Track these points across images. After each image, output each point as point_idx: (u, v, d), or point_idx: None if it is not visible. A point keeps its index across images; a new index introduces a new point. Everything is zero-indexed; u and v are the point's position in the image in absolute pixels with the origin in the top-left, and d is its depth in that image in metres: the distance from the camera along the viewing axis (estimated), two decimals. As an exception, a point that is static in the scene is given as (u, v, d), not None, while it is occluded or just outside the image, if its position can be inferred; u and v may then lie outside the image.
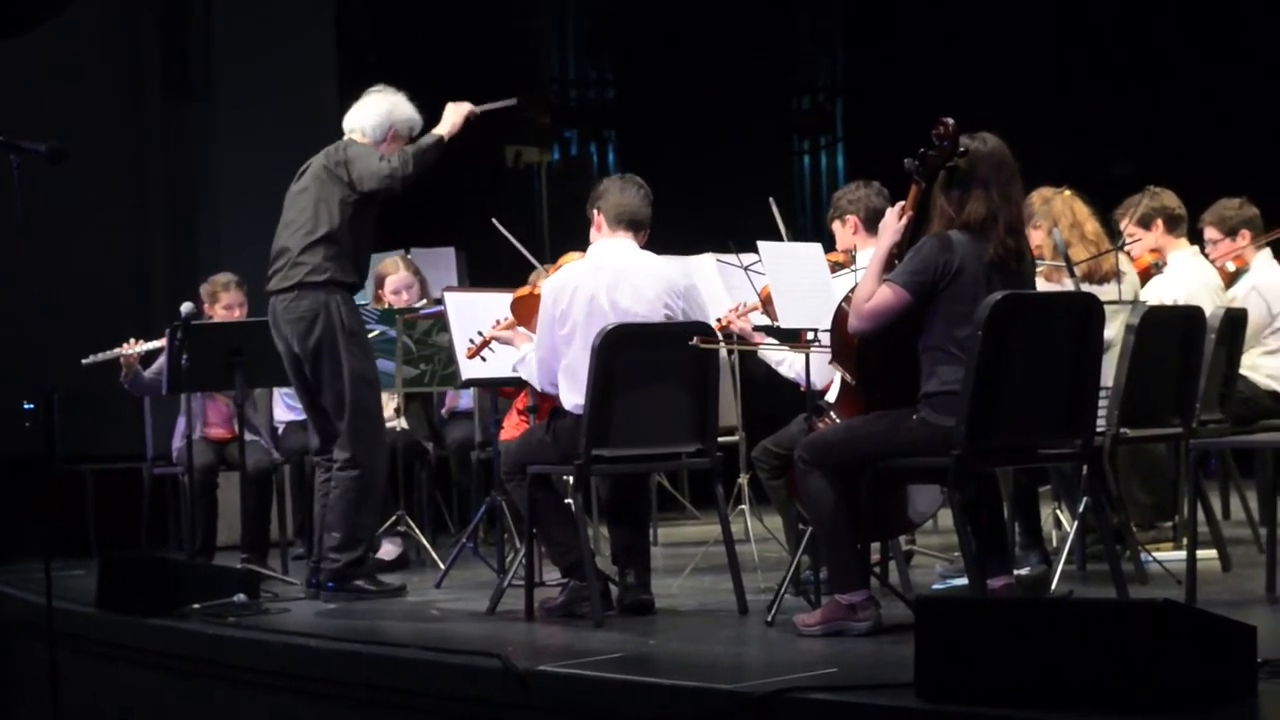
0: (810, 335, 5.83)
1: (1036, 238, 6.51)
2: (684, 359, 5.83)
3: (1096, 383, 5.25)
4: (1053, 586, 5.99)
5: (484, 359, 6.80)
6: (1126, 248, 7.00)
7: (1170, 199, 7.31)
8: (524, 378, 6.32)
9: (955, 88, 11.13)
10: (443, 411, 8.69)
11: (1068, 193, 6.82)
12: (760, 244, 6.05)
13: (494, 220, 7.10)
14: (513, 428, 7.68)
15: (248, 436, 7.71)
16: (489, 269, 8.82)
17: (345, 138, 6.84)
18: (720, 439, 6.16)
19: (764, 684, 4.31)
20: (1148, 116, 12.01)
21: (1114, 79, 12.28)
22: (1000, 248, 5.09)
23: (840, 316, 5.25)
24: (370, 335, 7.33)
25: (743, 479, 7.69)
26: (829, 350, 5.48)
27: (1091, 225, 6.78)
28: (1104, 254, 6.69)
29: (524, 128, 11.71)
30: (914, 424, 5.08)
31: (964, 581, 5.66)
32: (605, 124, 13.44)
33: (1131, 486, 6.77)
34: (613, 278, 5.92)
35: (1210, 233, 7.58)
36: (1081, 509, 6.13)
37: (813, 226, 12.00)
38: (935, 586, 6.25)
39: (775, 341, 6.33)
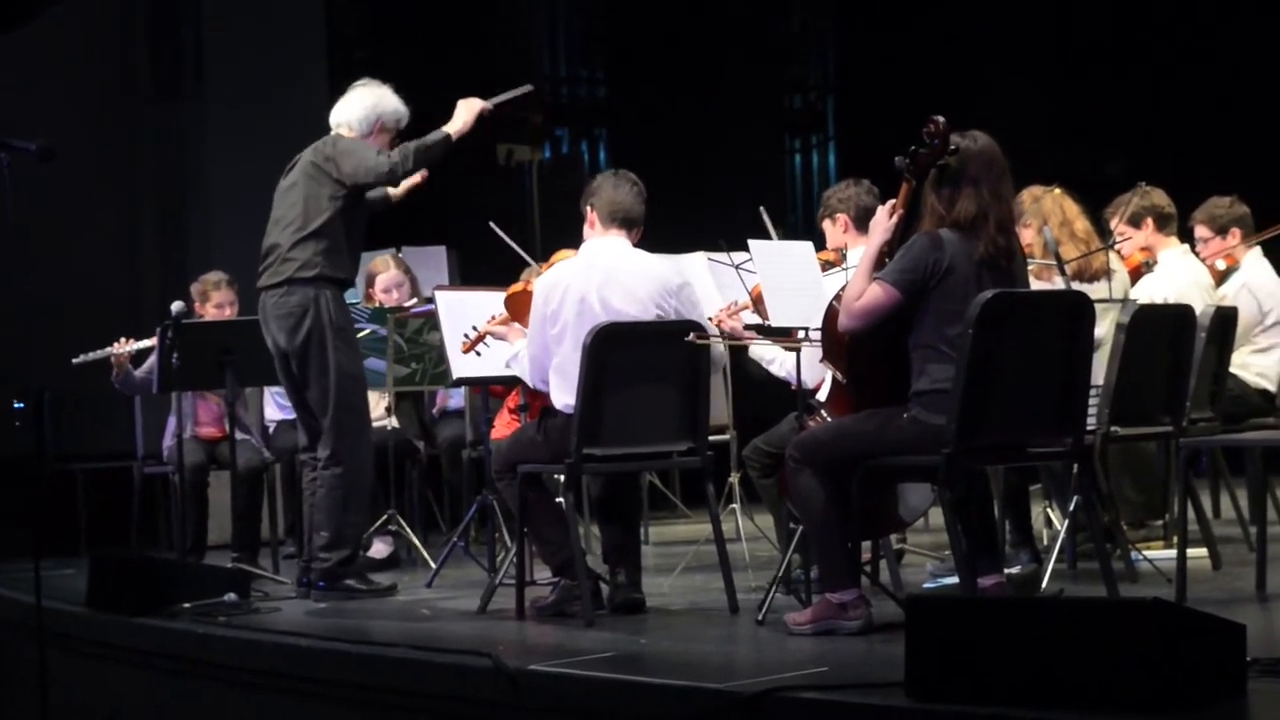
0: (801, 334, 5.83)
1: (1026, 236, 6.50)
2: (675, 358, 5.83)
3: (1087, 381, 5.26)
4: (1043, 585, 5.99)
5: (479, 354, 6.78)
6: (1117, 246, 7.00)
7: (1160, 197, 7.31)
8: (516, 374, 6.31)
9: (946, 86, 11.11)
10: (434, 410, 8.68)
11: (1057, 191, 6.82)
12: (751, 242, 6.05)
13: (491, 224, 7.09)
14: (504, 426, 7.67)
15: (238, 435, 7.69)
16: (480, 267, 8.81)
17: (333, 132, 6.77)
18: (711, 438, 6.16)
19: (754, 683, 4.30)
20: (1138, 115, 12.02)
21: (1104, 77, 12.29)
22: (991, 246, 5.09)
23: (831, 315, 5.25)
24: (361, 334, 7.32)
25: (734, 478, 7.68)
26: (820, 348, 5.48)
27: (1081, 223, 6.79)
28: (1094, 252, 6.69)
29: (516, 126, 11.67)
30: (905, 422, 5.08)
31: (955, 580, 5.67)
32: (596, 122, 13.42)
33: (1122, 485, 6.77)
34: (604, 277, 5.91)
35: (1201, 231, 7.57)
36: (1072, 507, 6.14)
37: (804, 225, 11.99)
38: (926, 585, 6.26)
39: (767, 342, 6.32)
